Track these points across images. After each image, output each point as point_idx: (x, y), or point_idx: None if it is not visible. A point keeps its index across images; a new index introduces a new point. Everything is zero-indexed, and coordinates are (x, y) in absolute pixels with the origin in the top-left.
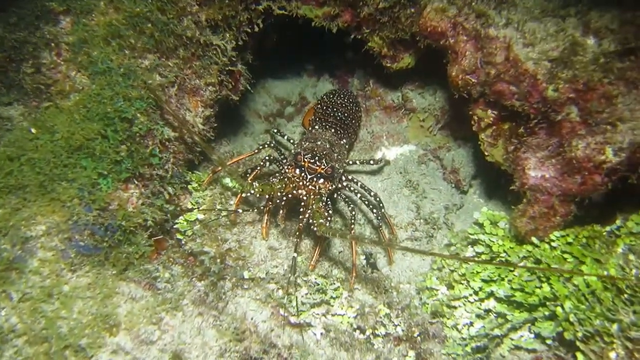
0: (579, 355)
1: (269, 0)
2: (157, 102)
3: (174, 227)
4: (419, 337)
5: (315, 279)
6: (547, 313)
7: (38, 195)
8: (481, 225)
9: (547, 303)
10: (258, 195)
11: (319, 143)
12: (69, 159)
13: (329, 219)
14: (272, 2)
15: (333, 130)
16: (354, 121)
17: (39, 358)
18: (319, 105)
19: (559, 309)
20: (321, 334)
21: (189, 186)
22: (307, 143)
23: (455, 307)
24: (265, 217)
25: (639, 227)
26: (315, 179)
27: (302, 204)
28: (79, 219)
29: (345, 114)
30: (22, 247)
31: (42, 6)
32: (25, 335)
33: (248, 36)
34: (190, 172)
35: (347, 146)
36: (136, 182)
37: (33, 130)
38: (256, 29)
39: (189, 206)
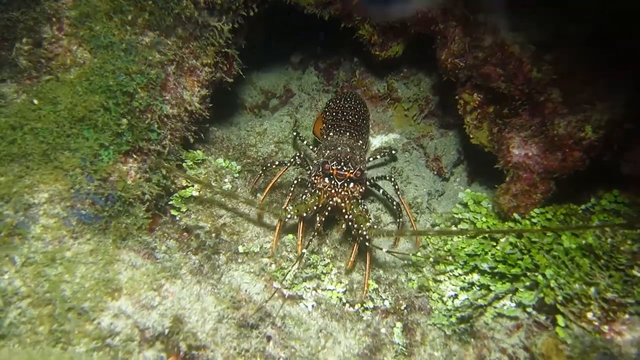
0: (559, 318)
1: None
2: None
3: (169, 203)
4: (405, 310)
5: (307, 254)
6: (528, 283)
7: (41, 163)
8: (465, 205)
9: (529, 273)
10: (296, 217)
11: (339, 149)
12: (72, 129)
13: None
14: None
15: (348, 134)
16: (365, 122)
17: (43, 320)
18: (328, 112)
19: (540, 277)
20: (312, 306)
21: (184, 164)
22: (329, 151)
23: (440, 282)
24: (300, 233)
25: (611, 205)
26: (346, 184)
27: (342, 211)
28: (80, 187)
29: (356, 116)
30: (24, 213)
31: None
32: (29, 298)
33: (244, 19)
34: (185, 151)
35: (364, 147)
36: (135, 156)
37: (35, 102)
38: (251, 13)
39: (184, 184)
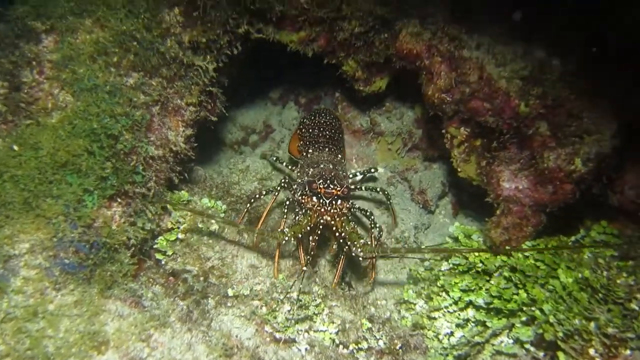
0: (560, 354)
1: (247, 24)
2: None
3: (154, 247)
4: (401, 350)
5: (298, 295)
6: (525, 318)
7: (22, 212)
8: (456, 239)
9: (525, 308)
10: (293, 240)
11: (322, 166)
12: (55, 175)
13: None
14: (251, 26)
15: (327, 149)
16: (341, 136)
17: None
18: (304, 129)
19: (537, 312)
20: (306, 349)
21: (169, 205)
22: (312, 169)
23: (435, 319)
24: (301, 251)
25: (601, 236)
26: (334, 202)
27: (333, 229)
28: (64, 236)
29: (333, 131)
30: (4, 265)
31: (23, 25)
32: (8, 357)
33: (227, 58)
34: (170, 192)
35: (343, 160)
36: (119, 199)
37: (15, 148)
38: (235, 52)
39: (169, 226)
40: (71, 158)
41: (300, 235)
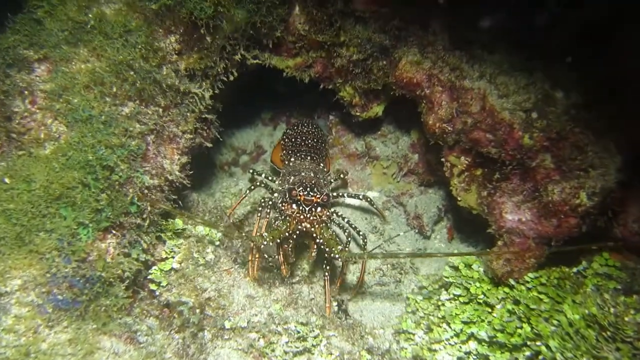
0: None
1: (244, 50)
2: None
3: (147, 277)
4: None
5: (295, 326)
6: (529, 353)
7: (14, 247)
8: (456, 268)
9: (529, 342)
10: (271, 243)
11: (303, 174)
12: (48, 208)
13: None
14: (247, 52)
15: (309, 158)
16: (323, 145)
17: None
18: (287, 139)
19: (543, 348)
20: None
21: (163, 234)
22: (292, 177)
23: (435, 351)
24: (282, 259)
25: (603, 268)
26: (314, 209)
27: (312, 235)
28: (57, 271)
29: (315, 140)
30: None
31: (14, 54)
32: None
33: (224, 85)
34: (164, 221)
35: (325, 169)
36: (114, 231)
37: (7, 180)
38: (231, 78)
39: (163, 255)
40: (65, 191)
41: (278, 240)
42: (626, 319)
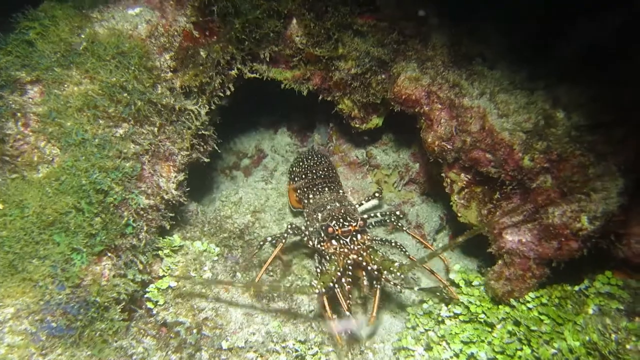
0: None
1: (240, 64)
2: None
3: (145, 296)
4: None
5: (294, 344)
6: None
7: (7, 275)
8: (457, 286)
9: None
10: (324, 290)
11: (329, 207)
12: (41, 235)
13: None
14: (244, 66)
15: (327, 189)
16: (334, 171)
17: None
18: (296, 178)
19: None
20: None
21: (160, 252)
22: (320, 213)
23: None
24: (328, 307)
25: (605, 287)
26: (355, 239)
27: (363, 264)
28: (51, 298)
29: (326, 170)
30: None
31: (7, 76)
32: None
33: (220, 99)
34: (161, 238)
35: (345, 195)
36: (109, 253)
37: (0, 206)
38: (228, 93)
39: (160, 273)
40: (59, 216)
41: (331, 284)
42: (627, 346)
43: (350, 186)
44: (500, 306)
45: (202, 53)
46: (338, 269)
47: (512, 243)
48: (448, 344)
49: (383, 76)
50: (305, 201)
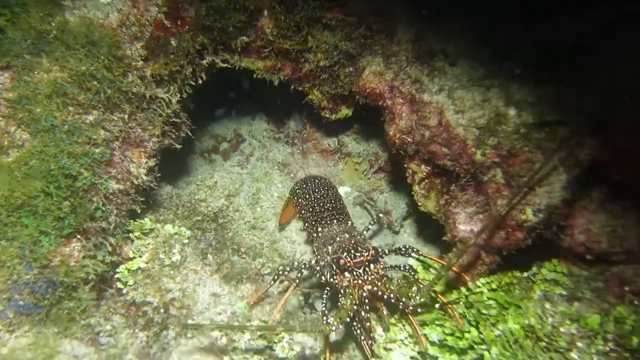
0: None
1: (212, 54)
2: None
3: (115, 276)
4: None
5: (258, 324)
6: (474, 356)
7: None
8: (415, 271)
9: (476, 346)
10: (341, 326)
11: (338, 239)
12: (9, 217)
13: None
14: (215, 56)
15: (335, 221)
16: (341, 201)
17: None
18: (304, 210)
19: (485, 353)
20: None
21: (131, 234)
22: (330, 247)
23: (391, 350)
24: (366, 338)
25: (551, 274)
26: (368, 269)
27: (379, 294)
28: (19, 278)
29: (333, 201)
30: None
31: None
32: None
33: (192, 89)
34: (132, 221)
35: (354, 225)
36: (79, 236)
37: None
38: (200, 82)
39: (131, 255)
40: (27, 200)
41: (348, 320)
42: (562, 329)
43: (322, 173)
44: (454, 291)
45: (172, 42)
46: (354, 302)
47: (464, 232)
48: (404, 325)
49: (351, 69)
50: (314, 235)
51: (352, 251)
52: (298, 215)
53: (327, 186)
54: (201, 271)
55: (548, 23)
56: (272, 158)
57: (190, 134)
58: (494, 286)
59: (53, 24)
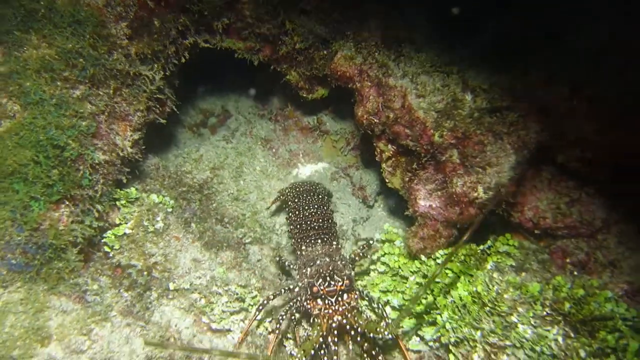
0: (451, 357)
1: (194, 35)
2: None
3: (102, 240)
4: None
5: (235, 288)
6: (430, 320)
7: None
8: (382, 242)
9: (431, 311)
10: (306, 357)
11: (319, 262)
12: (1, 183)
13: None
14: (198, 36)
15: (319, 241)
16: (330, 220)
17: None
18: (292, 226)
19: (439, 317)
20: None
21: (117, 202)
22: (309, 268)
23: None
24: None
25: (504, 247)
26: (340, 299)
27: (347, 327)
28: (10, 239)
29: (321, 220)
30: None
31: None
32: None
33: (175, 67)
34: (118, 190)
35: (339, 246)
36: (67, 202)
37: None
38: (183, 60)
39: (117, 221)
40: (18, 167)
41: (313, 352)
42: (505, 296)
43: (302, 149)
44: (415, 261)
45: (155, 22)
46: (321, 333)
47: (423, 207)
48: (369, 292)
49: (325, 52)
50: (298, 252)
51: (328, 278)
52: (287, 222)
53: (319, 203)
54: (183, 238)
55: (508, 15)
56: (255, 134)
57: (175, 109)
58: (451, 257)
59: (41, 3)
